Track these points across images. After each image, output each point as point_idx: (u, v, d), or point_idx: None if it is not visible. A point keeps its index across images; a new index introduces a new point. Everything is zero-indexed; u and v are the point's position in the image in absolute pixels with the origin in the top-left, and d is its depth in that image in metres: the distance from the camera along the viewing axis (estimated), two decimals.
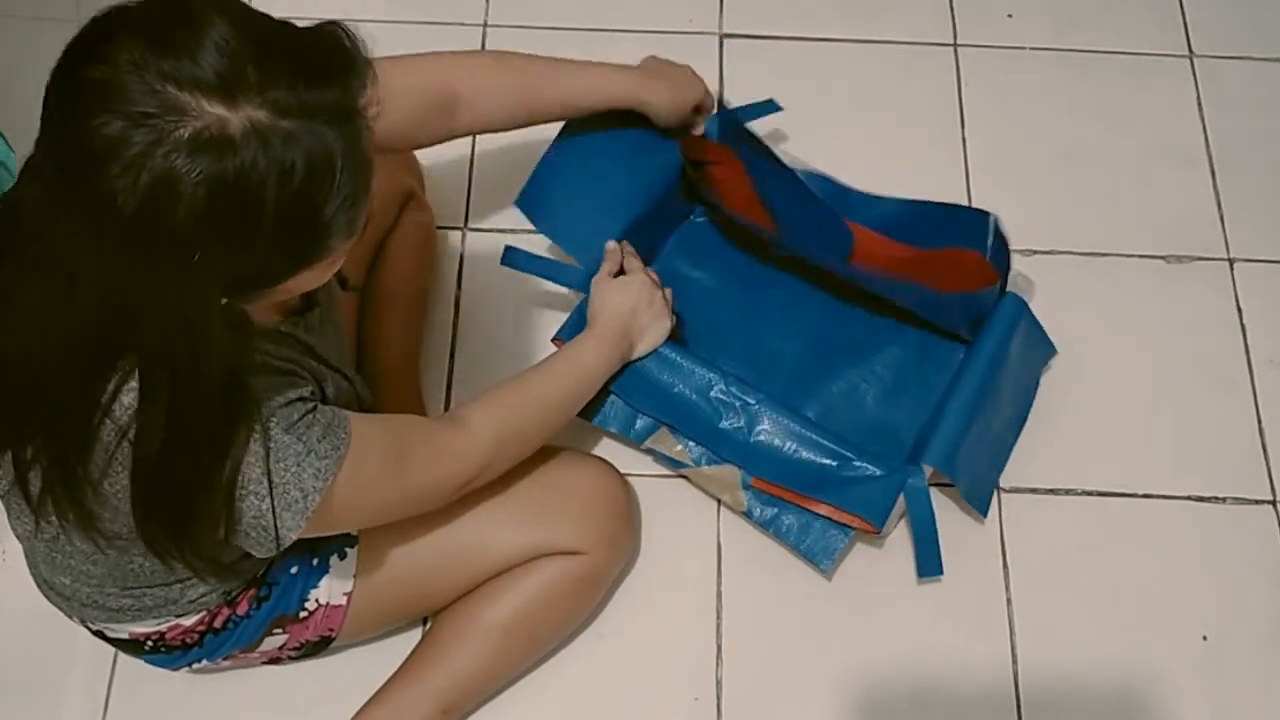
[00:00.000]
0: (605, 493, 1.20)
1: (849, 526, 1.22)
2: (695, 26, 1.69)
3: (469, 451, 1.04)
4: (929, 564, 1.26)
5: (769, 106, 1.45)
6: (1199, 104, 1.65)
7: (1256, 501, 1.37)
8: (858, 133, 1.47)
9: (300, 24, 0.77)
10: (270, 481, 0.85)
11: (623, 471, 1.27)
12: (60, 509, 0.85)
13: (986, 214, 1.23)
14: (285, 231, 0.74)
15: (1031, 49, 1.69)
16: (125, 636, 1.08)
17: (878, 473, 1.22)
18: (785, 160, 1.23)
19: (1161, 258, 1.53)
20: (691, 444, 1.27)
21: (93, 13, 0.73)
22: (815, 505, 1.22)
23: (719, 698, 1.26)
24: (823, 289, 1.43)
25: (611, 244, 1.27)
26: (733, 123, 1.25)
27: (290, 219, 0.73)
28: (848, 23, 1.70)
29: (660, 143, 1.34)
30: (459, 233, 1.52)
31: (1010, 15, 1.72)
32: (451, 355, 1.45)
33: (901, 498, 1.22)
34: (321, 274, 0.83)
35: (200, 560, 0.88)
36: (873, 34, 1.69)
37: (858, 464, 1.23)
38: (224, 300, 0.77)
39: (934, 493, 1.28)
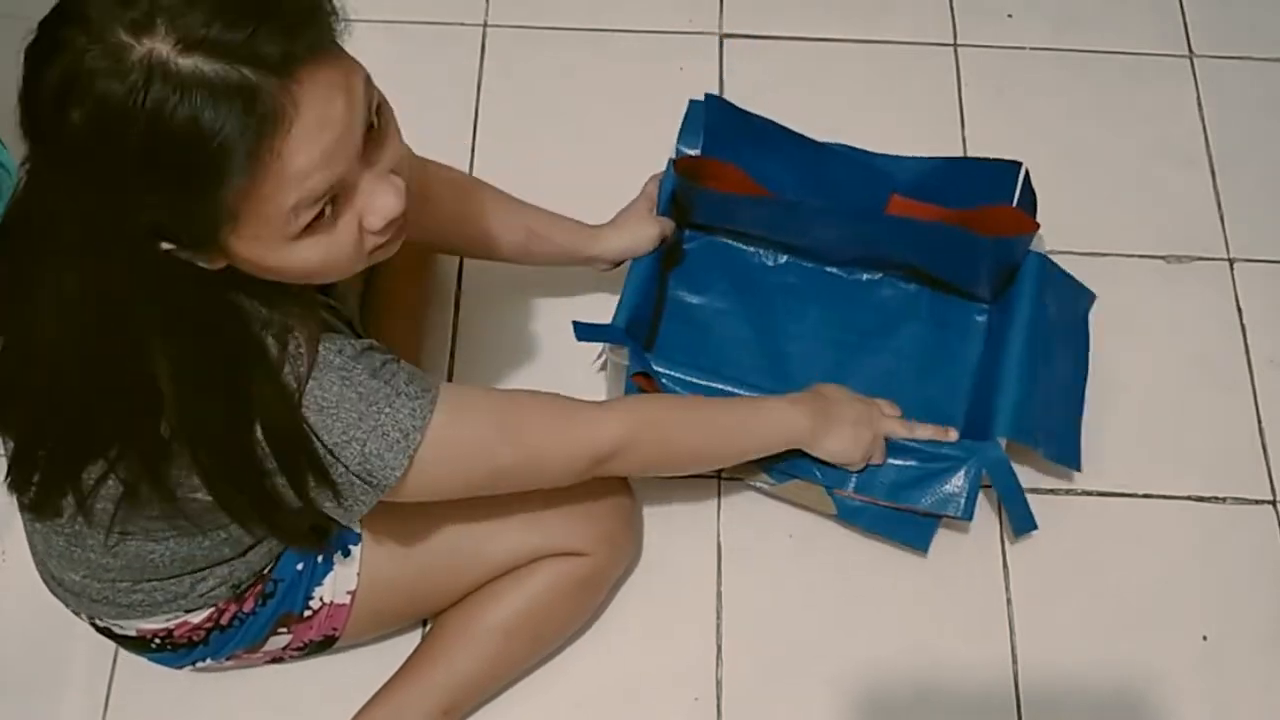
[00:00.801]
0: (607, 494, 1.20)
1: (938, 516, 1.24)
2: (695, 26, 1.69)
3: (598, 419, 1.02)
4: (1023, 522, 1.28)
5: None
6: (1199, 104, 1.65)
7: (1256, 501, 1.38)
8: (858, 133, 1.46)
9: None
10: (366, 426, 0.86)
11: None
12: (144, 505, 0.88)
13: (1017, 164, 1.25)
14: (162, 163, 0.71)
15: (1031, 49, 1.69)
16: (133, 634, 1.08)
17: (954, 463, 1.23)
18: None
19: (1161, 258, 1.53)
20: (772, 471, 1.26)
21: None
22: (904, 508, 1.23)
23: (719, 698, 1.26)
24: (827, 263, 1.44)
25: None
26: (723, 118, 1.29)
27: (164, 151, 0.71)
28: (848, 23, 1.70)
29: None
30: None
31: (1010, 15, 1.72)
32: (451, 355, 1.45)
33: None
34: (300, 243, 0.79)
35: (286, 528, 0.92)
36: (873, 34, 1.69)
37: (932, 462, 1.23)
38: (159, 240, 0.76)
39: None
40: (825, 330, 1.41)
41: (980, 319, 1.41)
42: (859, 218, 1.36)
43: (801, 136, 1.37)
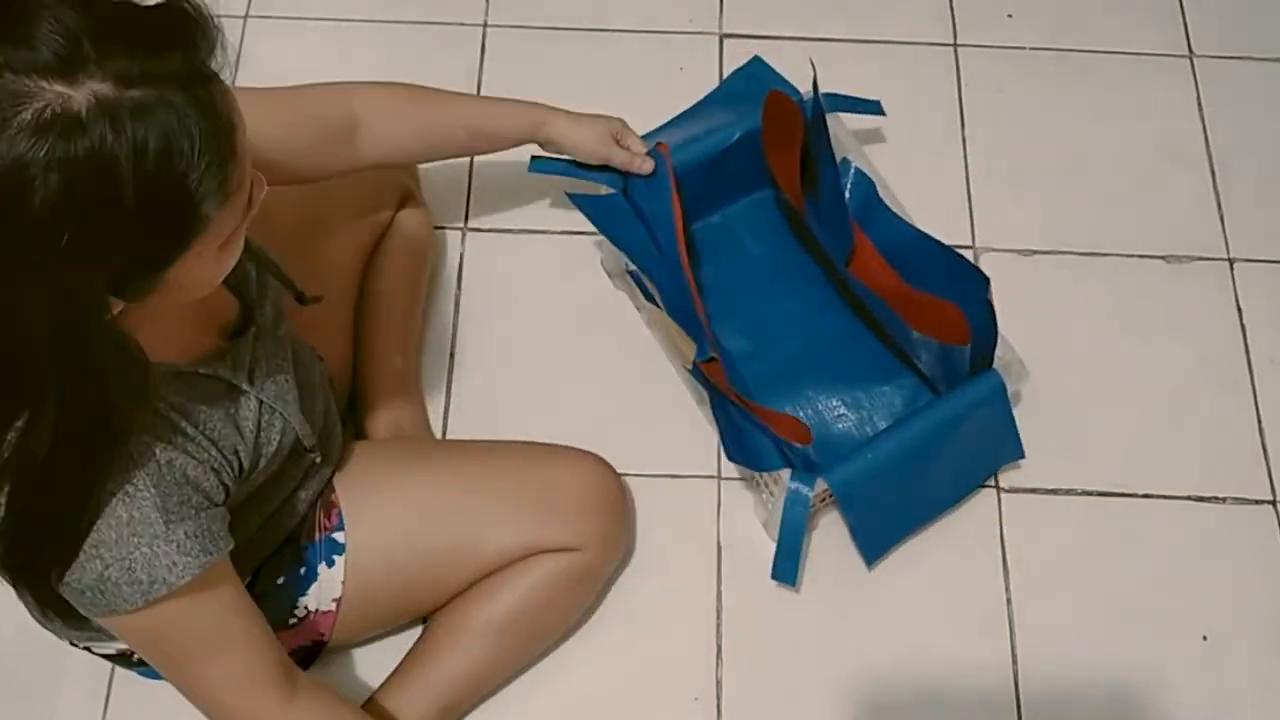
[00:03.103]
0: (598, 488, 1.20)
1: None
2: (695, 26, 1.69)
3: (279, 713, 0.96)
4: (785, 570, 1.25)
5: (872, 106, 1.47)
6: (1199, 104, 1.64)
7: (1256, 501, 1.37)
8: (857, 133, 1.47)
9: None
10: (117, 552, 0.82)
11: (622, 471, 1.27)
12: None
13: (984, 278, 1.23)
14: (151, 207, 0.69)
15: (1031, 49, 1.69)
16: (113, 652, 1.08)
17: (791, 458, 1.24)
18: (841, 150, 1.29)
19: (1161, 258, 1.53)
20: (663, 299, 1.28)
21: None
22: (750, 407, 1.24)
23: (719, 698, 1.26)
24: (843, 299, 1.44)
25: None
26: (821, 105, 1.30)
27: (153, 192, 0.69)
28: (848, 23, 1.70)
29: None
30: (459, 232, 1.52)
31: (1010, 15, 1.72)
32: (451, 355, 1.45)
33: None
34: (213, 261, 0.79)
35: (46, 604, 0.86)
36: (873, 34, 1.69)
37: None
38: (109, 302, 0.73)
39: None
40: (813, 339, 1.42)
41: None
42: (831, 260, 1.38)
43: (833, 164, 1.35)
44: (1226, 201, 1.57)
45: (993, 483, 1.37)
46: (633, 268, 1.36)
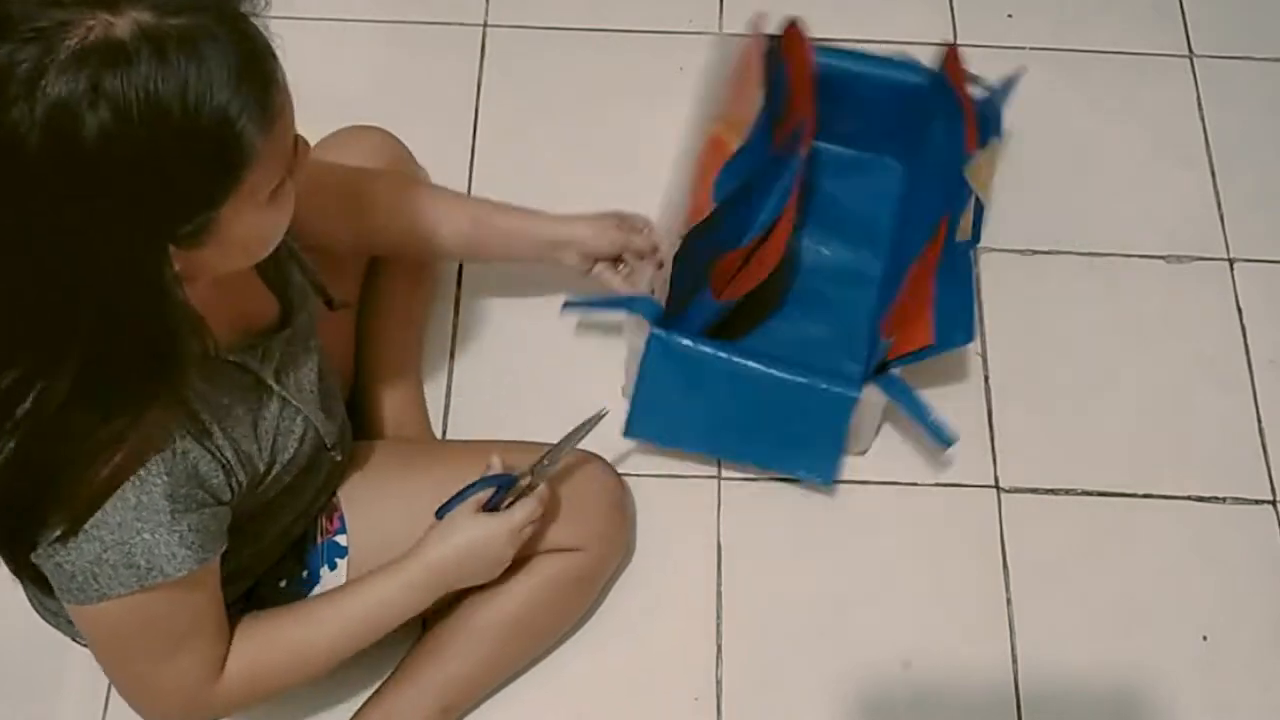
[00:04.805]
0: (599, 489, 1.20)
1: None
2: (695, 26, 1.69)
3: (202, 698, 0.94)
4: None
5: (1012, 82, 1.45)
6: (1199, 104, 1.64)
7: (1256, 501, 1.37)
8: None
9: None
10: (119, 536, 0.81)
11: (619, 469, 1.27)
12: None
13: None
14: (198, 135, 0.70)
15: (1031, 49, 1.69)
16: None
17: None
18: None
19: (1161, 258, 1.53)
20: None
21: None
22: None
23: (719, 698, 1.26)
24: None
25: (494, 460, 1.11)
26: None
27: (198, 120, 0.69)
28: (848, 23, 1.69)
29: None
30: None
31: (1010, 15, 1.72)
32: (451, 355, 1.45)
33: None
34: (264, 212, 0.78)
35: (22, 570, 0.85)
36: (872, 34, 1.69)
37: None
38: (168, 243, 0.73)
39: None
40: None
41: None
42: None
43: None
44: (1226, 201, 1.57)
45: (993, 483, 1.37)
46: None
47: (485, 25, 1.69)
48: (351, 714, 1.19)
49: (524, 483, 1.09)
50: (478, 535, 1.05)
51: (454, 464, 1.20)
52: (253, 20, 0.74)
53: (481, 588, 1.15)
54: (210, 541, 0.87)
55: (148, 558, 0.83)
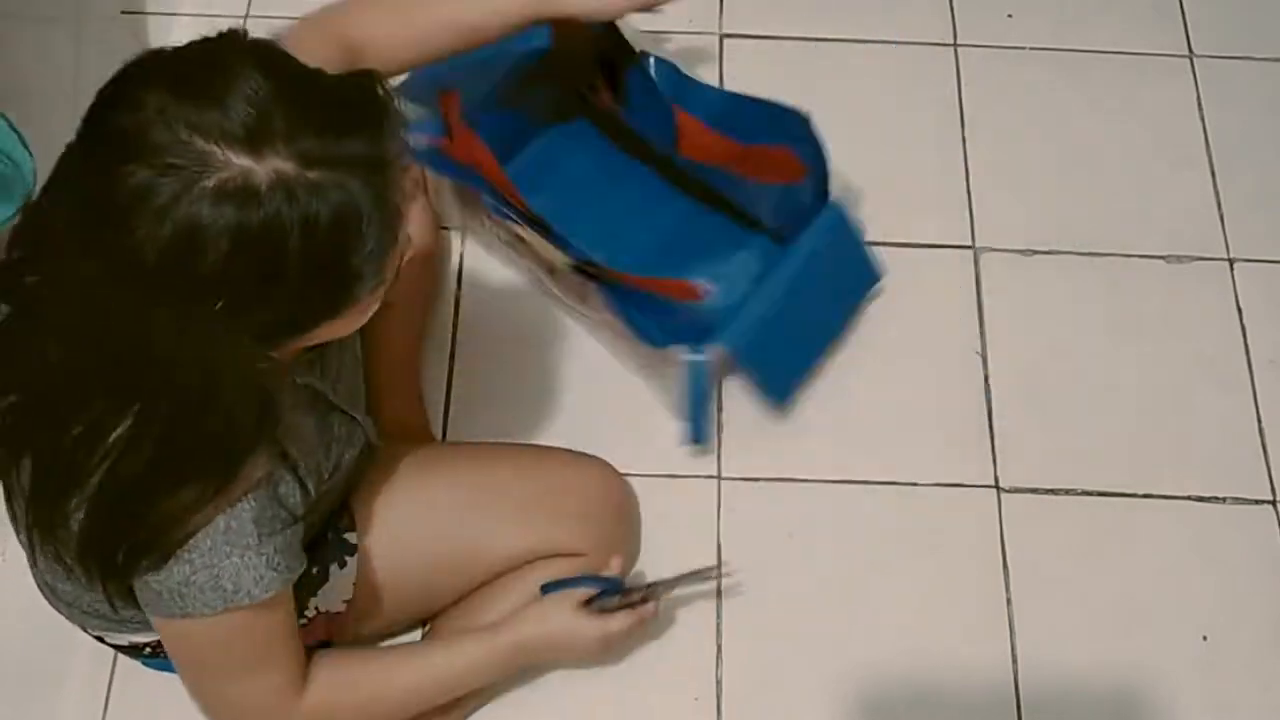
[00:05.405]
0: (605, 493, 1.20)
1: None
2: (695, 26, 1.69)
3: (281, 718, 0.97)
4: (698, 432, 1.33)
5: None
6: (1199, 104, 1.64)
7: (1256, 501, 1.37)
8: (857, 133, 1.47)
9: (333, 72, 0.76)
10: (209, 559, 0.83)
11: (622, 471, 1.27)
12: (29, 528, 0.84)
13: (804, 116, 1.27)
14: (310, 282, 0.73)
15: (1031, 49, 1.69)
16: (124, 644, 1.08)
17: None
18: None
19: (1161, 258, 1.53)
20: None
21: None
22: (640, 281, 1.27)
23: (719, 698, 1.26)
24: (676, 186, 1.47)
25: (614, 561, 1.14)
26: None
27: (315, 270, 0.73)
28: (848, 23, 1.69)
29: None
30: (459, 233, 1.52)
31: (1010, 15, 1.72)
32: (451, 355, 1.45)
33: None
34: (351, 323, 0.82)
35: (119, 597, 0.87)
36: (873, 34, 1.69)
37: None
38: (250, 349, 0.76)
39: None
40: (662, 231, 1.45)
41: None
42: (662, 153, 1.41)
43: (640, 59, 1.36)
44: (1226, 201, 1.57)
45: (993, 483, 1.37)
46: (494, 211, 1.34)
47: None
48: None
49: (635, 596, 1.11)
50: (573, 630, 1.07)
51: (463, 466, 1.20)
52: (393, 173, 0.75)
53: (486, 590, 1.16)
54: (293, 561, 0.89)
55: (234, 581, 0.85)
